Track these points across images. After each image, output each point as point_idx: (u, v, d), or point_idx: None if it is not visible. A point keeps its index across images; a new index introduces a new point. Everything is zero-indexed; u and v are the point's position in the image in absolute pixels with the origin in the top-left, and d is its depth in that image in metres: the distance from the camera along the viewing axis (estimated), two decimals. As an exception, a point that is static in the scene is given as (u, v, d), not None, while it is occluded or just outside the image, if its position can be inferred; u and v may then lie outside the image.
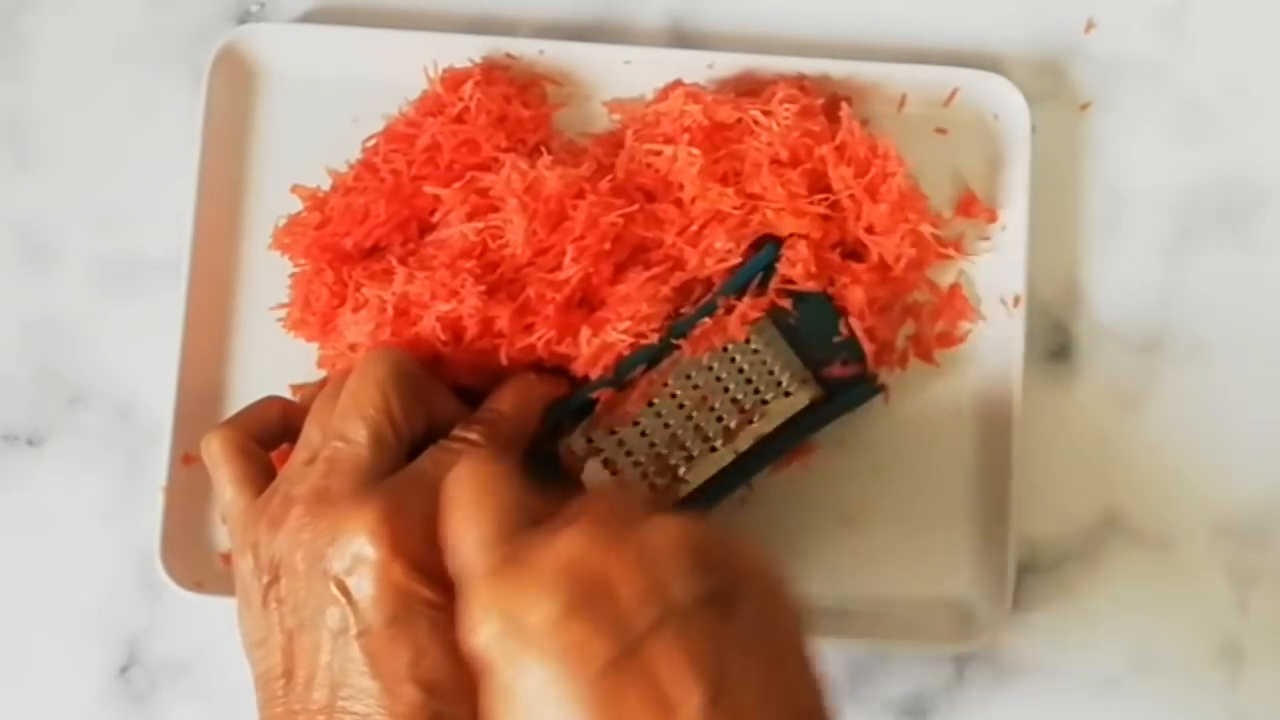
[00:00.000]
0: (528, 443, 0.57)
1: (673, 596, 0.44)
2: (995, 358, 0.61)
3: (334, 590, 0.51)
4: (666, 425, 0.58)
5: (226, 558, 0.60)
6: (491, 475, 0.48)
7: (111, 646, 0.61)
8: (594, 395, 0.57)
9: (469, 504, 0.47)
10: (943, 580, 0.61)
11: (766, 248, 0.58)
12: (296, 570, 0.52)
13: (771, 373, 0.58)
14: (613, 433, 0.58)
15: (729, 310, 0.58)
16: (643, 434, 0.58)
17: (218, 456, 0.56)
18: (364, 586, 0.50)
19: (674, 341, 0.58)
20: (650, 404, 0.58)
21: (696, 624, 0.44)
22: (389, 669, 0.50)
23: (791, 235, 0.58)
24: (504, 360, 0.57)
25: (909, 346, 0.61)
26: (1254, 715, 0.61)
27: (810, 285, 0.58)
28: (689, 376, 0.58)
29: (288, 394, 0.60)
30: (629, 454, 0.58)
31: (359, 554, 0.51)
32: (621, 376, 0.57)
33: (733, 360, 0.58)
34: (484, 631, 0.44)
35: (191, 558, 0.60)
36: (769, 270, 0.58)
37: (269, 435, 0.57)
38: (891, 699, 0.61)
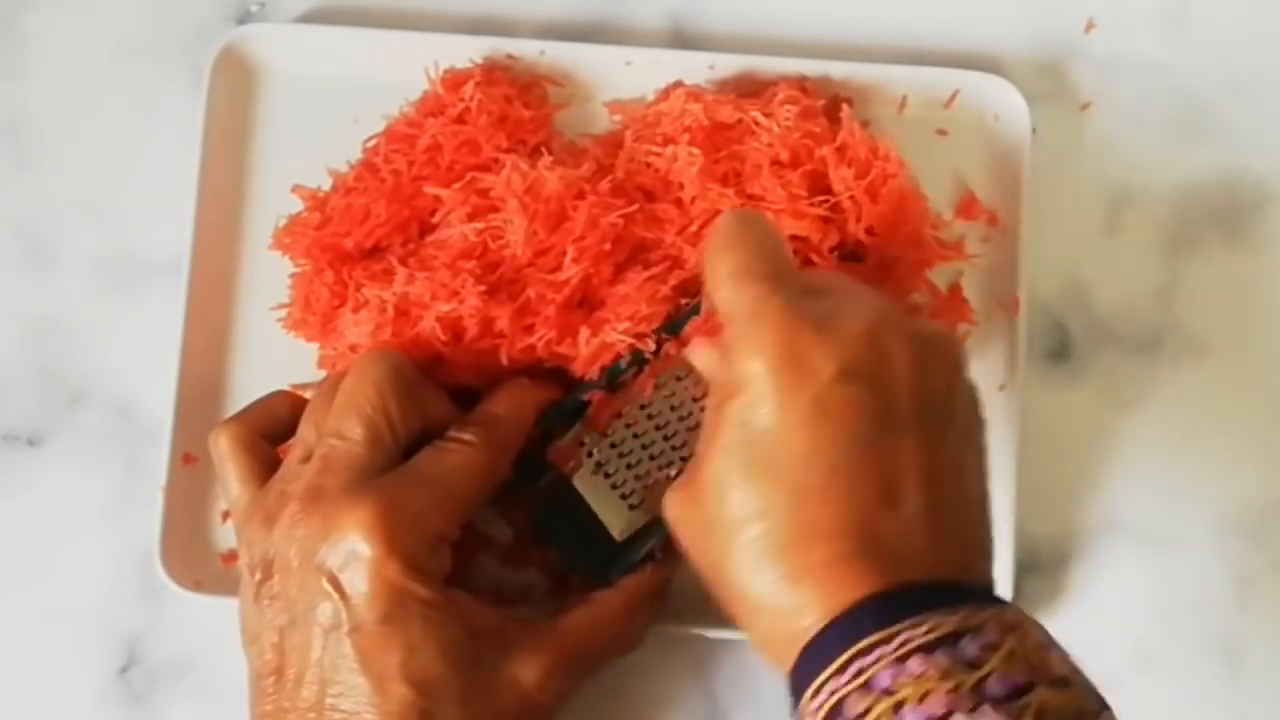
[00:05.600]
0: (521, 446, 0.57)
1: (932, 400, 0.46)
2: (995, 358, 0.61)
3: (327, 586, 0.51)
4: (658, 426, 0.58)
5: (226, 557, 0.60)
6: (770, 224, 0.50)
7: (111, 646, 0.61)
8: (585, 397, 0.57)
9: (754, 237, 0.48)
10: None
11: None
12: (290, 567, 0.52)
13: None
14: (604, 435, 0.58)
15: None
16: (635, 435, 0.58)
17: (225, 452, 0.56)
18: (358, 583, 0.50)
19: (664, 337, 0.57)
20: (641, 406, 0.58)
21: (942, 434, 0.46)
22: (379, 666, 0.50)
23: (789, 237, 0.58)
24: (504, 361, 0.57)
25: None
26: (1254, 715, 0.61)
27: None
28: (680, 378, 0.57)
29: (289, 395, 0.60)
30: (621, 455, 0.58)
31: (353, 550, 0.51)
32: (613, 379, 0.57)
33: None
34: (766, 357, 0.45)
35: (191, 558, 0.60)
36: None
37: (277, 431, 0.57)
38: (891, 699, 0.61)
